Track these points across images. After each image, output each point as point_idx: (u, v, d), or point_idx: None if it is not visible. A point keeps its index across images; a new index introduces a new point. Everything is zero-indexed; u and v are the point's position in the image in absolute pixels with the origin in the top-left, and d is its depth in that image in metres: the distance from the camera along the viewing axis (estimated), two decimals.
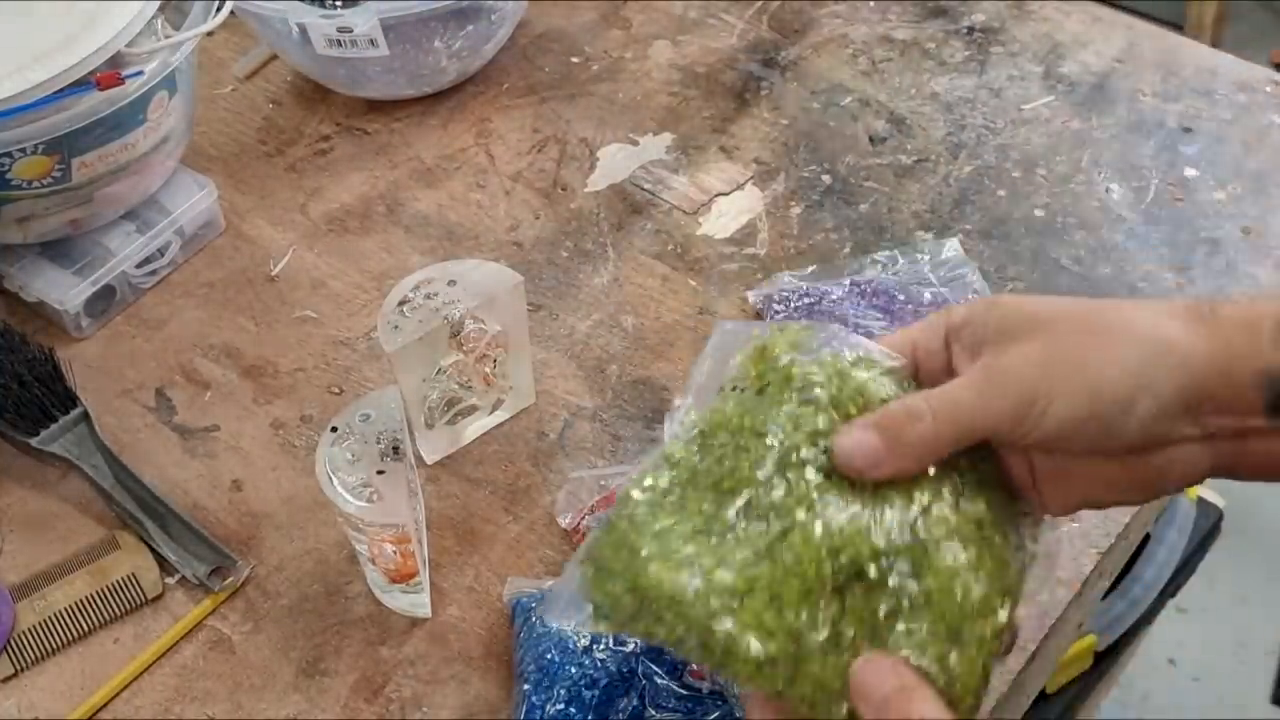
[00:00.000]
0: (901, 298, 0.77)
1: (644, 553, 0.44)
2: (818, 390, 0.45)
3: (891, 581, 0.42)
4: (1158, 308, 0.43)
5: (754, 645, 0.41)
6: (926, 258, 0.80)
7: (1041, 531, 0.47)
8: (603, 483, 0.71)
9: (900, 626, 0.42)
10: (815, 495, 0.43)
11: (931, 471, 0.44)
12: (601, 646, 0.62)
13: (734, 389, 0.47)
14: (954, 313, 0.46)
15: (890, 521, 0.43)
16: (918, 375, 0.47)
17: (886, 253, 0.81)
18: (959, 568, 0.43)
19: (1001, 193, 0.87)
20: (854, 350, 0.47)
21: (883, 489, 0.43)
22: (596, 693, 0.60)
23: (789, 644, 0.41)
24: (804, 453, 0.44)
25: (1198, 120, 0.90)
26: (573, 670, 0.61)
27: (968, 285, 0.78)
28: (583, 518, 0.68)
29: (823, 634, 0.41)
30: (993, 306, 0.45)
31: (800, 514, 0.43)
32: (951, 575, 0.43)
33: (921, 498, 0.44)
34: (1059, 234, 0.84)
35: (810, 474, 0.43)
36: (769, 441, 0.44)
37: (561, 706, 0.60)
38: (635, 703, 0.61)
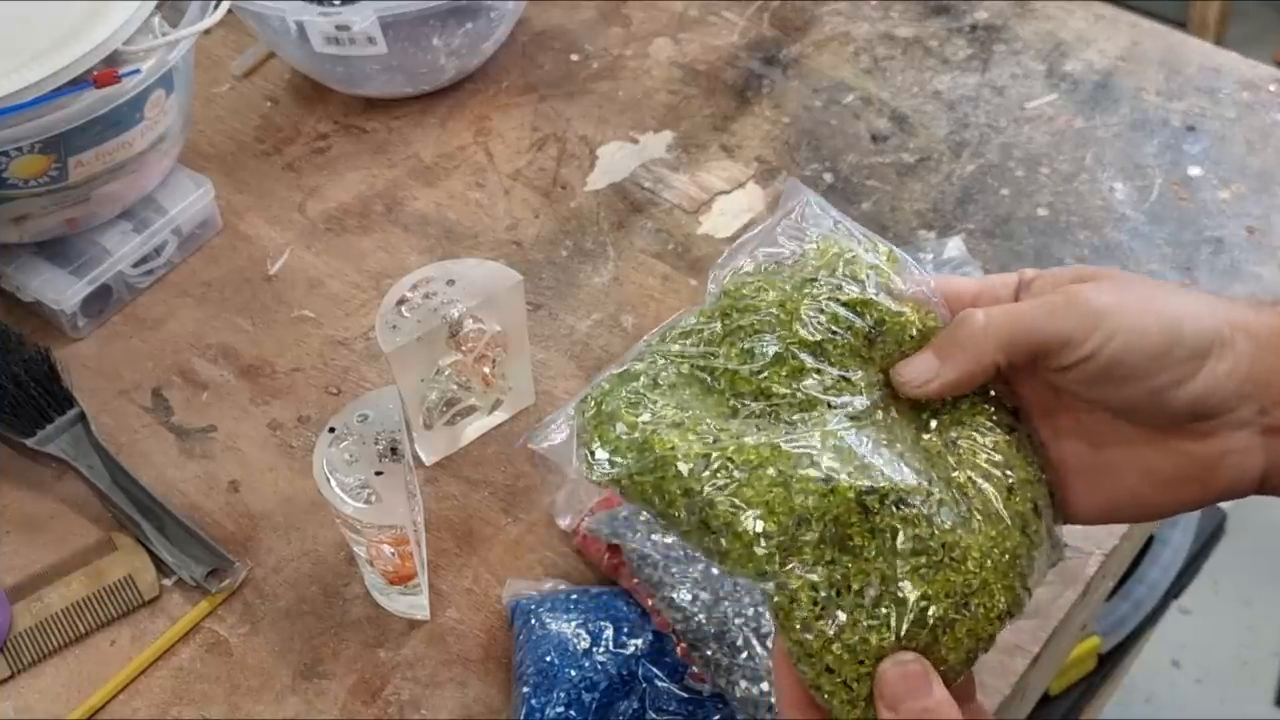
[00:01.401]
0: None
1: (657, 407, 0.43)
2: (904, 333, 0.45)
3: (922, 521, 0.41)
4: (1221, 297, 0.44)
5: (753, 521, 0.41)
6: (929, 257, 0.80)
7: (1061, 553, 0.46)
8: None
9: (912, 564, 0.41)
10: (853, 434, 0.42)
11: (987, 447, 0.44)
12: (601, 649, 0.62)
13: (790, 275, 0.46)
14: (1027, 270, 0.46)
15: (930, 472, 0.43)
16: None
17: None
18: (989, 545, 0.42)
19: (1004, 192, 0.86)
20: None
21: (933, 447, 0.44)
22: (596, 695, 0.60)
23: (790, 527, 0.40)
24: (851, 384, 0.44)
25: (1201, 119, 0.90)
26: (572, 673, 0.60)
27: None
28: (582, 519, 0.68)
29: (822, 531, 0.41)
30: (1061, 269, 0.45)
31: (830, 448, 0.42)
32: (983, 549, 0.42)
33: (974, 468, 0.44)
34: (1062, 233, 0.83)
35: (860, 404, 0.43)
36: (809, 364, 0.44)
37: (561, 709, 0.59)
38: (635, 705, 0.60)
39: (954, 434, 0.45)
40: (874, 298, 0.45)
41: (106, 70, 0.73)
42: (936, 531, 0.41)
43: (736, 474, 0.41)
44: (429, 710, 0.64)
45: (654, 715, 0.60)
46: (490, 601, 0.68)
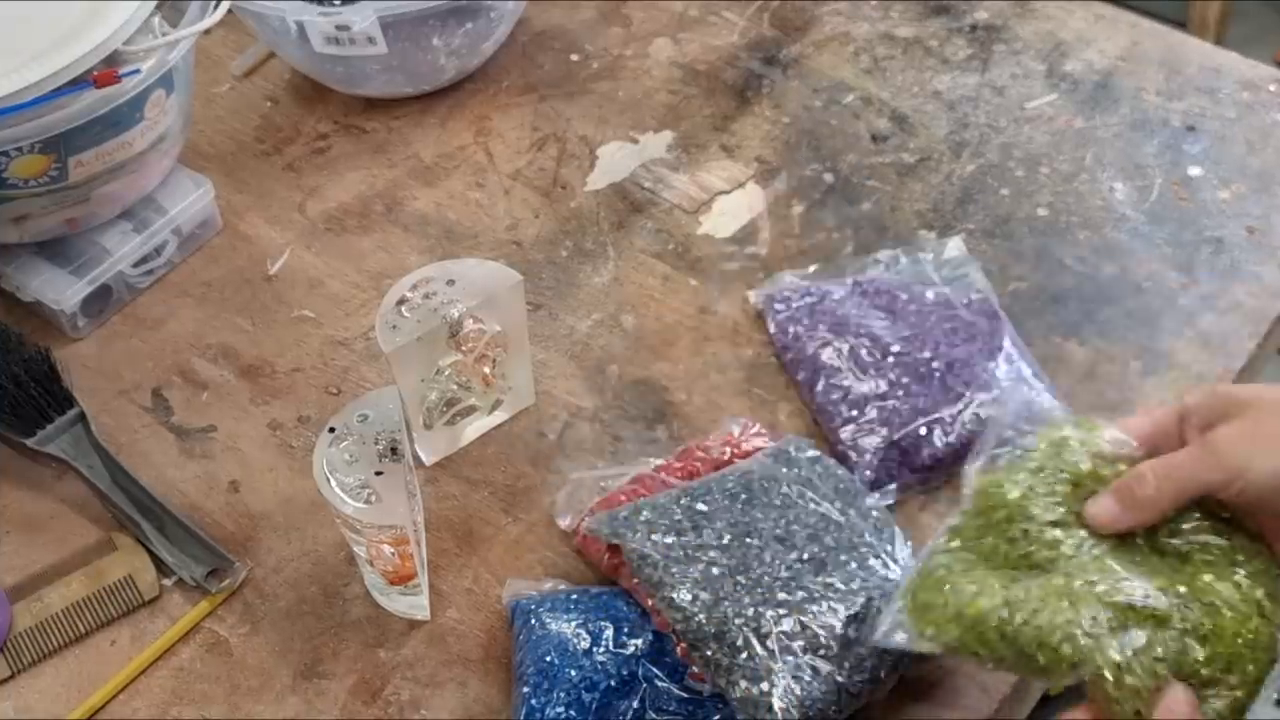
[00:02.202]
0: (904, 297, 0.76)
1: (970, 588, 0.54)
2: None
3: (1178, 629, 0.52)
4: None
5: (1104, 650, 0.52)
6: (929, 257, 0.80)
7: None
8: (603, 484, 0.70)
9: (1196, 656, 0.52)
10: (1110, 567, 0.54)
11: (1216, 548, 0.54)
12: (601, 649, 0.62)
13: (1022, 470, 0.57)
14: (1186, 403, 0.56)
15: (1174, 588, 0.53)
16: (1155, 453, 0.56)
17: (889, 252, 0.81)
18: (1237, 637, 0.52)
19: (1004, 192, 0.86)
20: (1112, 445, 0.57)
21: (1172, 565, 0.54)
22: (596, 695, 0.60)
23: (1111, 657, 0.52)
24: (1091, 541, 0.55)
25: (1201, 119, 0.90)
26: (572, 673, 0.60)
27: (970, 285, 0.78)
28: (582, 519, 0.68)
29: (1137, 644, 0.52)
30: (1213, 396, 0.55)
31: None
32: (1233, 636, 0.52)
33: (1207, 572, 0.53)
34: (1062, 233, 0.83)
35: (1103, 554, 0.54)
36: (1060, 536, 0.55)
37: (561, 709, 0.59)
38: (635, 705, 0.60)
39: (1178, 543, 0.55)
40: (1087, 469, 0.56)
41: (106, 70, 0.73)
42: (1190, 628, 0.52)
43: (1034, 611, 0.53)
44: (429, 710, 0.64)
45: (654, 715, 0.60)
46: (490, 601, 0.68)
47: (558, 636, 0.62)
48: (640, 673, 0.61)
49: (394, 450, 0.62)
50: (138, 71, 0.74)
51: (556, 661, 0.61)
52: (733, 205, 0.87)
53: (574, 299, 0.82)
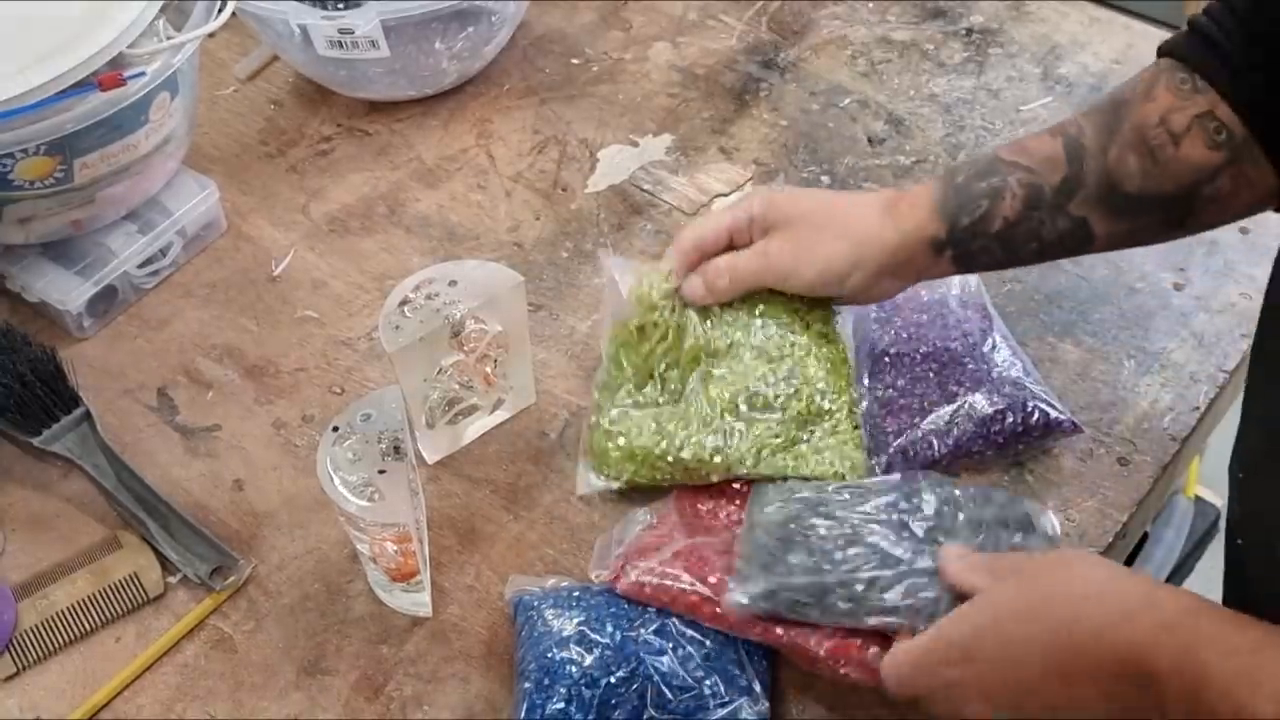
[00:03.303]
0: (899, 297, 0.77)
1: (633, 432, 0.69)
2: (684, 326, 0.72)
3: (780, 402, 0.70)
4: (869, 205, 0.68)
5: (708, 444, 0.68)
6: None
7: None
8: (620, 537, 0.68)
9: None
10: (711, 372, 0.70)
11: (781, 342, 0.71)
12: (603, 645, 0.62)
13: (622, 339, 0.72)
14: (753, 207, 0.69)
15: (769, 378, 0.70)
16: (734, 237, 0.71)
17: None
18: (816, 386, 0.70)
19: None
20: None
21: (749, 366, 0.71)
22: (597, 692, 0.61)
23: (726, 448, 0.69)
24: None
25: None
26: (573, 669, 0.61)
27: (964, 284, 0.78)
28: (620, 568, 0.65)
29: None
30: (770, 208, 0.69)
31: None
32: (814, 382, 0.70)
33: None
34: None
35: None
36: (673, 377, 0.71)
37: (562, 705, 0.60)
38: (635, 702, 0.61)
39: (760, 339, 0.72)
40: (670, 319, 0.71)
41: (112, 73, 0.74)
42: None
43: (684, 437, 0.68)
44: (431, 706, 0.65)
45: (654, 712, 0.61)
46: (492, 598, 0.69)
47: (559, 633, 0.62)
48: (641, 669, 0.62)
49: (396, 449, 0.63)
50: (143, 74, 0.75)
51: (558, 658, 0.61)
52: None
53: (574, 299, 0.83)
